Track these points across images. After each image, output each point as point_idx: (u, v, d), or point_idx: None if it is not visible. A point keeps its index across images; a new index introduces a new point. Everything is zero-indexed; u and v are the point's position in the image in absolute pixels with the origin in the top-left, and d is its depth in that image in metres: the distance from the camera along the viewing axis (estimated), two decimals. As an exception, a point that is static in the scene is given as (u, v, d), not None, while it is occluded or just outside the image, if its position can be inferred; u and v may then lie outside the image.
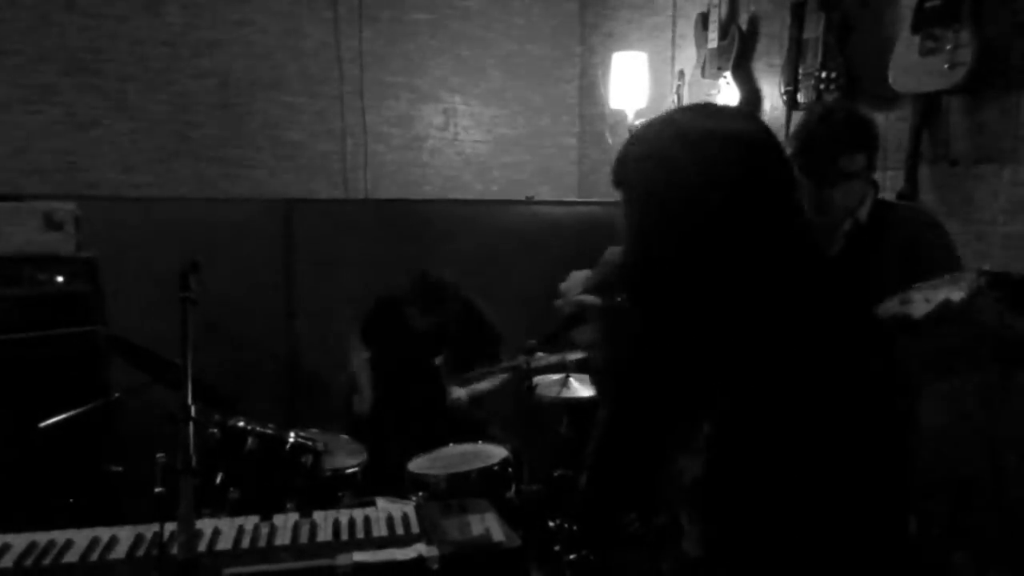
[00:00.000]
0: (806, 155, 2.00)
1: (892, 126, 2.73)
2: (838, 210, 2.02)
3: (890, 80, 2.61)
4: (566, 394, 3.25)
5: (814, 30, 2.91)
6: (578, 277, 1.23)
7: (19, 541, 1.81)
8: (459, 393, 3.20)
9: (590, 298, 1.19)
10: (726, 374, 0.99)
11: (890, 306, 1.73)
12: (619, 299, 1.15)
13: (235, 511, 2.26)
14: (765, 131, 1.05)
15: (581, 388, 3.26)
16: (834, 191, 1.98)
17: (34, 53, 3.50)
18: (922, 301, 1.65)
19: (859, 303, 1.15)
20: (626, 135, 3.85)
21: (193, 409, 1.51)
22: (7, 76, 3.46)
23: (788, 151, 2.05)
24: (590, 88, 4.52)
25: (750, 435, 0.97)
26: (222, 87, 3.86)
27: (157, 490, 1.65)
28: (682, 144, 1.01)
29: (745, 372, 0.98)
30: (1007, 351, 2.15)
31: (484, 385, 3.26)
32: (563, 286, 1.23)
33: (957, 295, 1.61)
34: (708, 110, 1.10)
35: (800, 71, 2.95)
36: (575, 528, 2.84)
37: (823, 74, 2.86)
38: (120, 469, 2.66)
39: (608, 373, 1.17)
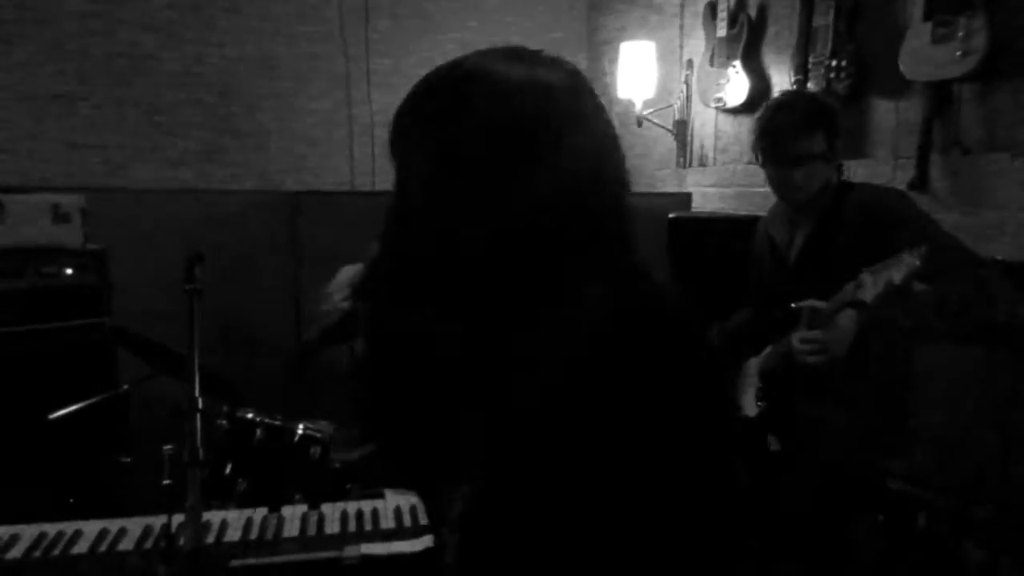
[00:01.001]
0: (767, 136, 2.02)
1: (903, 114, 2.71)
2: (800, 192, 2.02)
3: (901, 68, 2.59)
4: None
5: (824, 18, 2.88)
6: (347, 274, 0.93)
7: (28, 532, 1.82)
8: None
9: (359, 305, 0.89)
10: (495, 421, 0.75)
11: (846, 292, 1.76)
12: (376, 302, 0.86)
13: (243, 503, 2.26)
14: (581, 76, 0.85)
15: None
16: (795, 172, 1.98)
17: (42, 46, 3.50)
18: (871, 284, 1.69)
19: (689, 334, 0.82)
20: (634, 125, 3.87)
21: (201, 401, 1.51)
22: (15, 69, 3.46)
23: (756, 138, 2.06)
24: (598, 78, 4.49)
25: (515, 510, 0.72)
26: (230, 79, 3.85)
27: (165, 481, 1.65)
28: (491, 95, 0.78)
29: (520, 417, 0.73)
30: (1018, 340, 2.14)
31: None
32: (330, 287, 0.91)
33: (897, 275, 1.65)
34: (515, 54, 0.83)
35: (810, 59, 2.93)
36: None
37: (833, 62, 2.84)
38: (128, 460, 2.67)
39: (377, 401, 0.90)
